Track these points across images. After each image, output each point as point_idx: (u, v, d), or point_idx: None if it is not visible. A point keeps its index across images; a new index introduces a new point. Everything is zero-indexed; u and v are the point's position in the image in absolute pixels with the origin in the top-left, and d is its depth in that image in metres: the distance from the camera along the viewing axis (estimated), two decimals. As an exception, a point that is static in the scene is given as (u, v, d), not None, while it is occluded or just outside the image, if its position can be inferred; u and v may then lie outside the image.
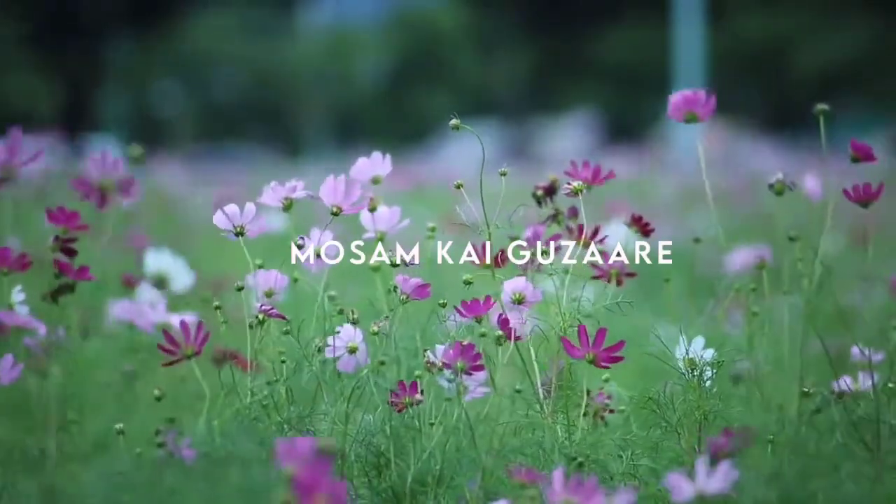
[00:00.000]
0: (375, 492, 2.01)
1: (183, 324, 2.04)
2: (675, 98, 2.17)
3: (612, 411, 2.18)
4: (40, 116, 22.99)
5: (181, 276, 2.80)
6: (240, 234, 2.10)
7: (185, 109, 29.76)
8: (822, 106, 2.09)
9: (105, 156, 2.09)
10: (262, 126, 29.60)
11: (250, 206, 2.10)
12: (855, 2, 28.48)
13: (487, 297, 2.05)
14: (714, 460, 1.86)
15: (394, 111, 29.68)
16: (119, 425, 2.05)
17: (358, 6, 31.30)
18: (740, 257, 3.59)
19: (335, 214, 2.13)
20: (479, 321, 2.05)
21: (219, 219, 2.09)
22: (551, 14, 30.78)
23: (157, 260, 2.79)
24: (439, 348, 2.03)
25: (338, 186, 2.13)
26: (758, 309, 2.14)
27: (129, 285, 2.87)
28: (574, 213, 2.28)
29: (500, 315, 2.05)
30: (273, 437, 1.93)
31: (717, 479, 1.74)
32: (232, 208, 2.10)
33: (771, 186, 2.17)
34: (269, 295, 2.10)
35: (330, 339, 2.05)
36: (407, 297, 2.07)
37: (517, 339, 2.05)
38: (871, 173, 2.20)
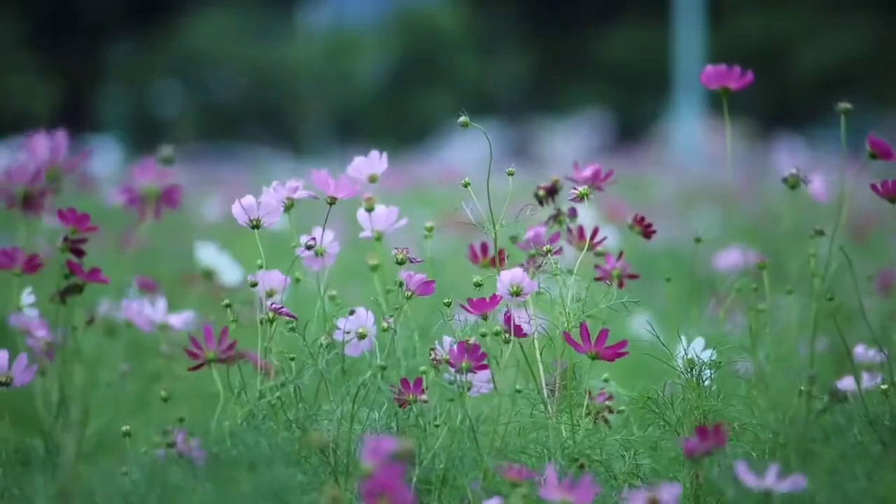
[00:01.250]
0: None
1: (206, 328, 2.05)
2: (707, 70, 2.19)
3: (611, 411, 2.18)
4: (40, 116, 22.98)
5: (230, 271, 2.80)
6: (255, 226, 2.09)
7: (185, 109, 29.76)
8: (844, 104, 2.08)
9: (150, 164, 2.06)
10: (262, 126, 29.60)
11: (267, 200, 2.09)
12: (855, 2, 28.47)
13: (494, 295, 2.05)
14: (691, 461, 1.88)
15: (394, 111, 29.68)
16: (126, 427, 2.05)
17: (358, 6, 31.29)
18: (733, 256, 3.59)
19: (330, 204, 2.14)
20: (485, 318, 2.05)
21: (236, 211, 2.09)
22: (551, 14, 30.77)
23: (207, 254, 2.79)
24: (446, 340, 2.03)
25: (330, 179, 2.14)
26: (763, 307, 2.14)
27: (145, 288, 2.87)
28: (575, 213, 2.28)
29: (507, 313, 2.05)
30: (279, 437, 1.93)
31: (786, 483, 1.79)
32: (248, 200, 2.09)
33: (785, 180, 2.17)
34: (270, 295, 2.10)
35: (340, 323, 2.05)
36: (412, 294, 2.07)
37: (523, 335, 2.05)
38: (869, 172, 2.20)
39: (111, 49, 31.21)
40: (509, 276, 2.07)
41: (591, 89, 29.48)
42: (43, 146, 2.06)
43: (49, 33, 29.51)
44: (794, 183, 2.17)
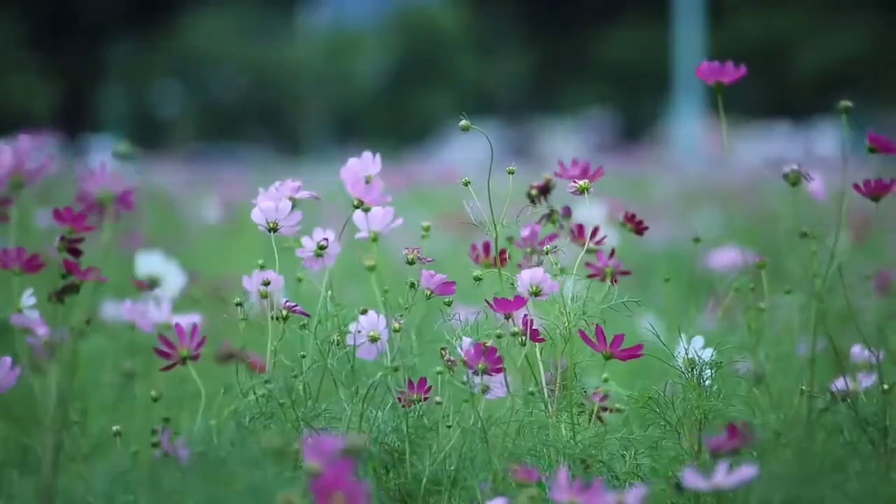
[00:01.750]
0: (384, 489, 2.01)
1: (178, 326, 2.04)
2: (703, 66, 2.21)
3: (611, 410, 2.18)
4: (40, 116, 22.98)
5: (173, 278, 2.79)
6: (273, 229, 2.10)
7: (185, 109, 29.76)
8: (845, 102, 2.08)
9: (103, 168, 2.06)
10: (262, 126, 29.61)
11: (286, 203, 2.09)
12: (855, 2, 28.48)
13: (519, 296, 2.04)
14: (714, 459, 1.86)
15: (394, 111, 29.69)
16: (116, 427, 2.05)
17: (358, 6, 31.30)
18: (729, 255, 3.58)
19: (357, 207, 2.14)
20: (507, 318, 2.04)
21: (255, 215, 2.09)
22: (551, 14, 30.78)
23: (148, 262, 2.79)
24: (466, 341, 2.02)
25: (361, 180, 2.14)
26: (763, 305, 2.14)
27: (139, 287, 2.87)
28: (568, 212, 2.28)
29: (525, 315, 2.04)
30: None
31: (733, 476, 1.75)
32: (267, 204, 2.09)
33: (785, 177, 2.17)
34: (264, 296, 2.09)
35: (351, 326, 2.05)
36: (431, 294, 2.07)
37: (540, 340, 2.05)
38: (868, 171, 2.20)
39: (111, 49, 31.22)
40: (529, 276, 2.06)
41: (591, 89, 29.49)
42: (7, 155, 2.05)
43: (49, 33, 29.52)
44: (794, 179, 2.16)
